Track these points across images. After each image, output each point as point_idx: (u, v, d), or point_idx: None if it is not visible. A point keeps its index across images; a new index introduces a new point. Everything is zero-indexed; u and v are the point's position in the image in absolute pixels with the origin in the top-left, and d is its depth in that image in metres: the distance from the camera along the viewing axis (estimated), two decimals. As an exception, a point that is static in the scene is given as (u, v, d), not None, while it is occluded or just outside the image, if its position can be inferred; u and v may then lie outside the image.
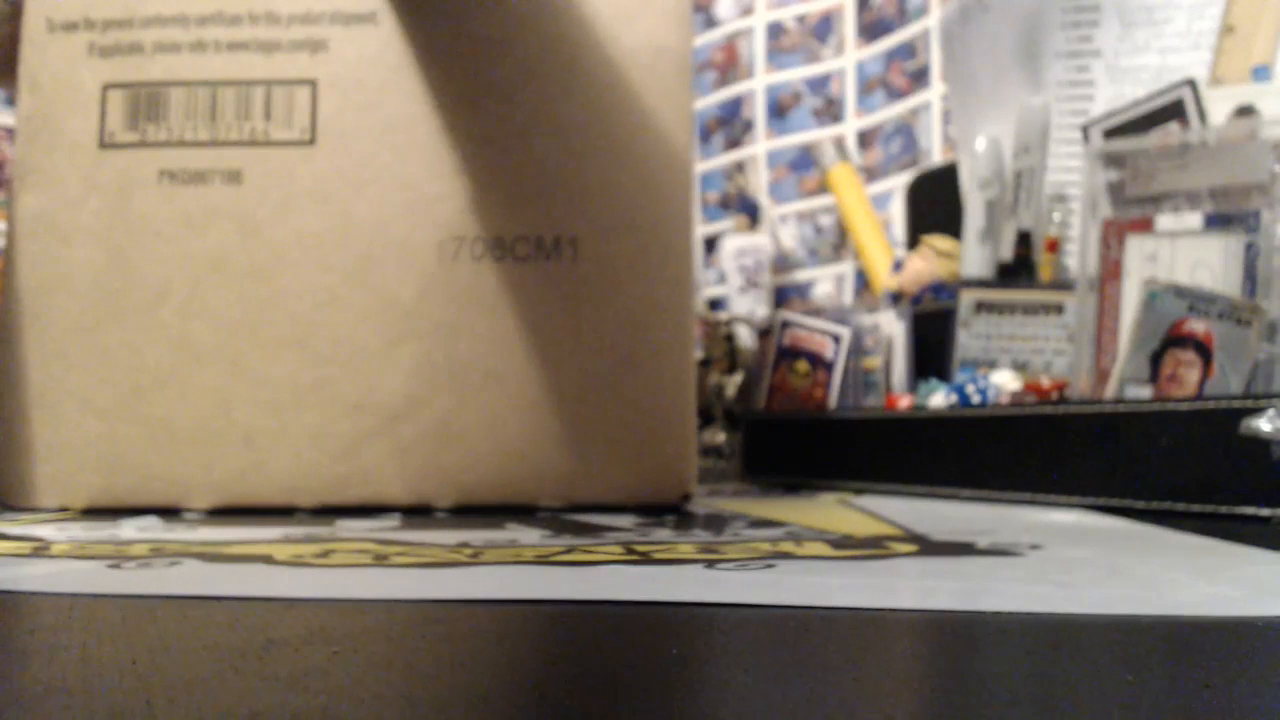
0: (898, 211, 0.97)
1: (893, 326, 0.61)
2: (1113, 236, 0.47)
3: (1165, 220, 0.46)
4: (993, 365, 0.54)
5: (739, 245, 1.09)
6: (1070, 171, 0.60)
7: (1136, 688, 0.15)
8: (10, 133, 0.90)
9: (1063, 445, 0.45)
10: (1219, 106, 0.52)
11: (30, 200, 0.45)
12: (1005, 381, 0.51)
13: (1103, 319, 0.47)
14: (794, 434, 0.63)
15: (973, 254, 0.60)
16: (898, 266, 0.70)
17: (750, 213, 1.11)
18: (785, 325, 0.65)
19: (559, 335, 0.44)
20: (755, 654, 0.18)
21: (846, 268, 1.08)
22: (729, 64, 1.19)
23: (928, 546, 0.31)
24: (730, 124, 1.18)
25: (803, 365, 0.63)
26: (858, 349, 0.62)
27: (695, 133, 0.85)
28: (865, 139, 1.07)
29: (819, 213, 1.10)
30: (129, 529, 0.37)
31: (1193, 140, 0.46)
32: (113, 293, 0.44)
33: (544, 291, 0.45)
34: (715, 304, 1.12)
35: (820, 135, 1.10)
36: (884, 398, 0.60)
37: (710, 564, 0.27)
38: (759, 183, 1.15)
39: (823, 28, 1.12)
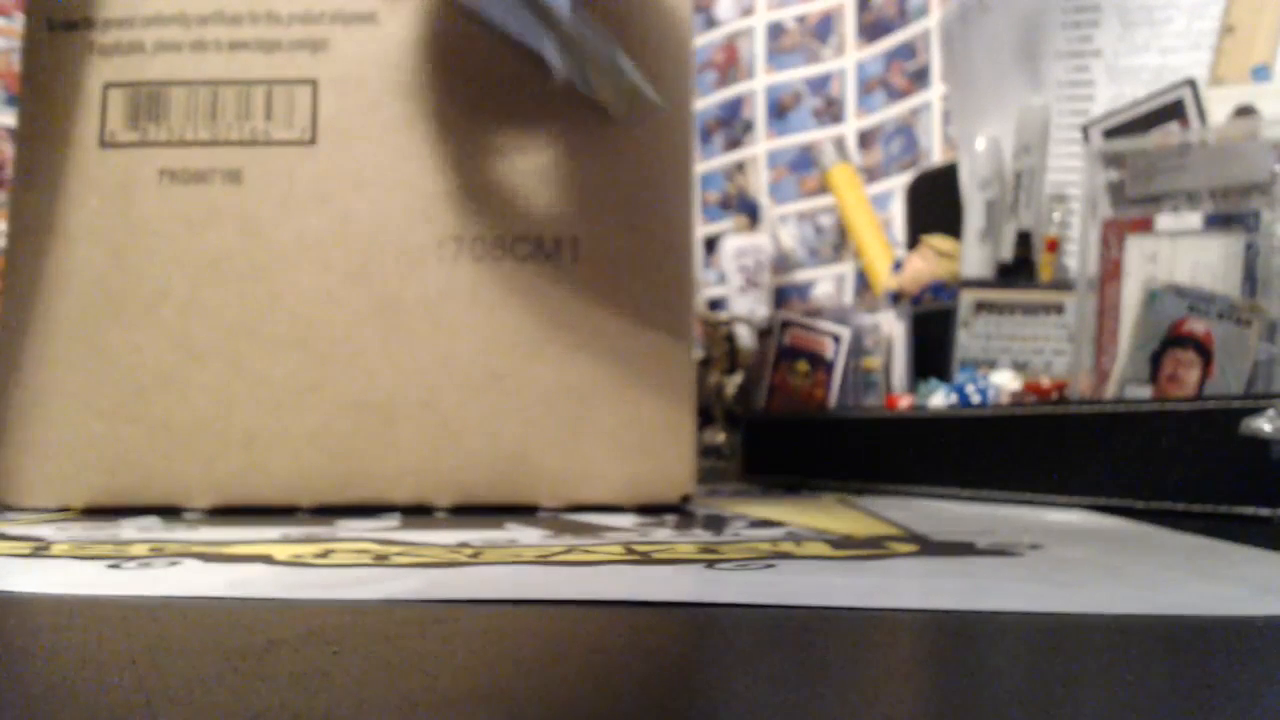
0: (898, 211, 0.97)
1: (893, 326, 0.61)
2: (1113, 236, 0.47)
3: (1165, 220, 0.46)
4: (993, 365, 0.54)
5: (739, 245, 1.09)
6: (1070, 171, 0.60)
7: (1136, 688, 0.15)
8: (10, 132, 0.90)
9: (1063, 445, 0.45)
10: (1219, 106, 0.52)
11: (30, 200, 0.44)
12: (1005, 381, 0.51)
13: (1103, 319, 0.47)
14: (794, 434, 0.63)
15: (973, 254, 0.60)
16: (898, 266, 0.70)
17: (750, 213, 1.11)
18: (785, 325, 0.65)
19: (559, 335, 0.44)
20: (755, 654, 0.18)
21: (846, 268, 1.08)
22: (729, 64, 1.19)
23: (928, 546, 0.31)
24: (730, 124, 1.18)
25: (803, 365, 0.63)
26: (858, 349, 0.62)
27: (695, 133, 0.85)
28: (865, 139, 1.07)
29: (819, 213, 1.10)
30: (129, 529, 0.37)
31: (1193, 140, 0.46)
32: (113, 293, 0.44)
33: (544, 291, 0.45)
34: (715, 304, 1.12)
35: (820, 135, 1.10)
36: (884, 398, 0.60)
37: (710, 564, 0.27)
38: (759, 183, 1.15)
39: (823, 28, 1.12)
